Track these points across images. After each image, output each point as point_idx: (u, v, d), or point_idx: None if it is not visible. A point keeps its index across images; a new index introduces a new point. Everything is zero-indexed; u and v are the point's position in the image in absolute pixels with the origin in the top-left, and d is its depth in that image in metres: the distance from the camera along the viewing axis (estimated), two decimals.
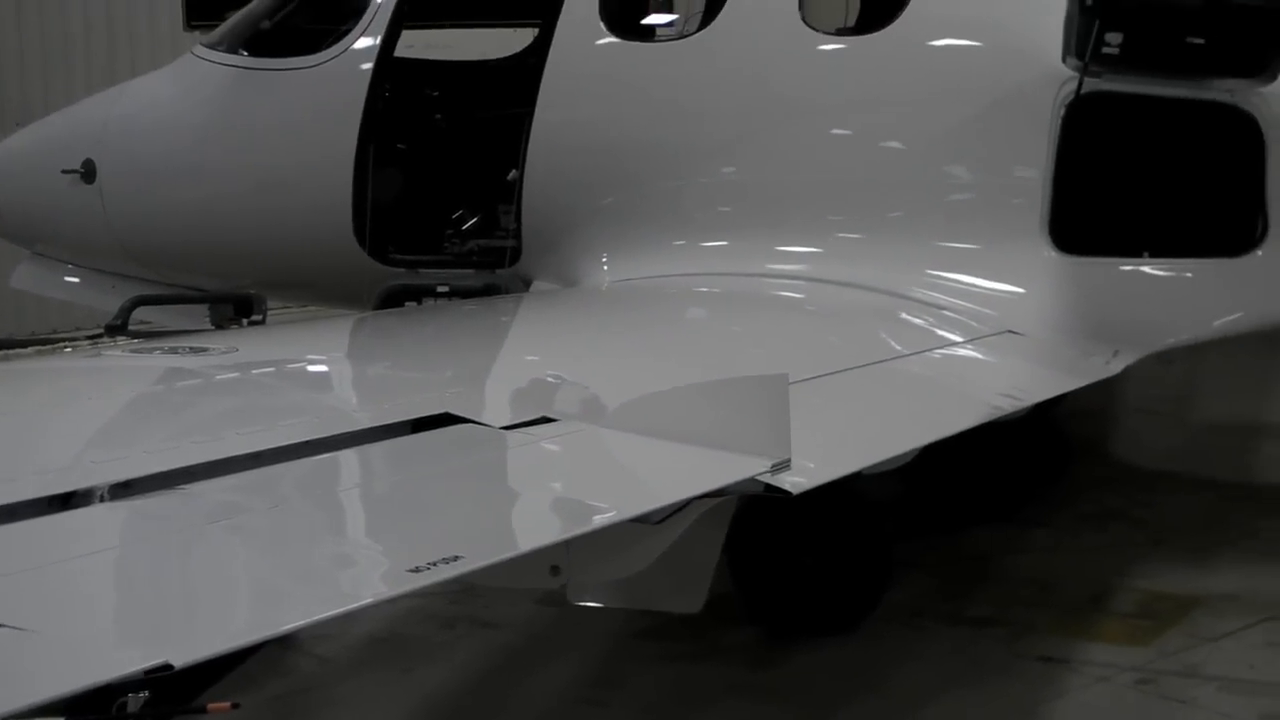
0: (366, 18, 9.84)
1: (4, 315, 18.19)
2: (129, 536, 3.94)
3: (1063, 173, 8.07)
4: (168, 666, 3.00)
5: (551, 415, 5.09)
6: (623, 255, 8.99)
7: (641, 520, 4.85)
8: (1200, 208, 8.19)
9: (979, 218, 8.29)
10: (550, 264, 9.35)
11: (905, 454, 5.98)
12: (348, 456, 4.60)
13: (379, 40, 9.78)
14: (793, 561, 7.83)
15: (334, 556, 3.93)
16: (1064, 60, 7.84)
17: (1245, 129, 7.94)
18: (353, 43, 9.84)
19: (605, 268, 9.04)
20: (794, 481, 4.82)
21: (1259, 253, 8.00)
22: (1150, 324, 8.10)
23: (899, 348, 7.52)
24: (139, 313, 10.35)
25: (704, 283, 8.56)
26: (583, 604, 6.08)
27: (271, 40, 10.32)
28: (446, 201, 10.63)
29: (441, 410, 4.95)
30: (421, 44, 11.45)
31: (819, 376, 6.09)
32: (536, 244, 9.40)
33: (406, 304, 9.64)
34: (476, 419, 4.96)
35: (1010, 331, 7.80)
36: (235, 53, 10.38)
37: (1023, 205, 8.15)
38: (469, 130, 10.83)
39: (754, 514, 6.87)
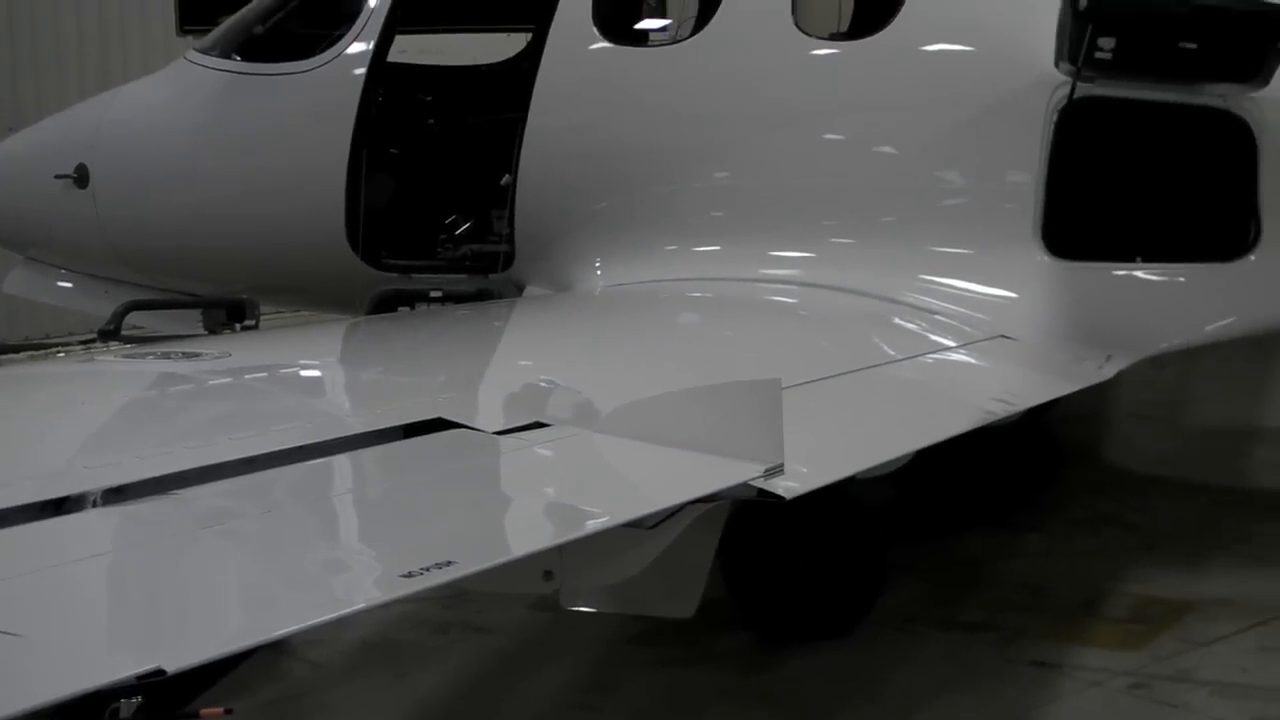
0: (359, 23, 9.83)
1: None
2: (122, 541, 3.94)
3: (1055, 177, 8.08)
4: (160, 672, 2.99)
5: (544, 420, 5.09)
6: (616, 260, 9.00)
7: (635, 525, 4.85)
8: (1193, 213, 8.21)
9: (972, 222, 8.30)
10: (543, 269, 9.36)
11: (898, 459, 5.99)
12: (341, 461, 4.60)
13: (372, 45, 9.78)
14: (786, 566, 7.83)
15: (327, 561, 3.93)
16: (1057, 65, 7.85)
17: (1238, 134, 7.95)
18: (346, 48, 9.84)
19: (598, 272, 9.04)
20: (787, 486, 4.83)
21: (1251, 257, 8.02)
22: (1143, 329, 8.11)
23: (892, 352, 7.52)
24: (132, 318, 10.35)
25: (697, 288, 8.55)
26: (576, 609, 6.10)
27: (264, 45, 10.32)
28: (439, 206, 10.64)
29: (434, 415, 4.95)
30: (415, 49, 11.46)
31: (812, 381, 6.10)
32: (529, 249, 9.40)
33: (399, 309, 9.64)
34: (469, 424, 4.96)
35: (1003, 336, 7.81)
36: (228, 57, 10.37)
37: (1016, 210, 8.15)
38: (462, 135, 10.83)
39: (747, 519, 6.88)
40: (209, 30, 11.09)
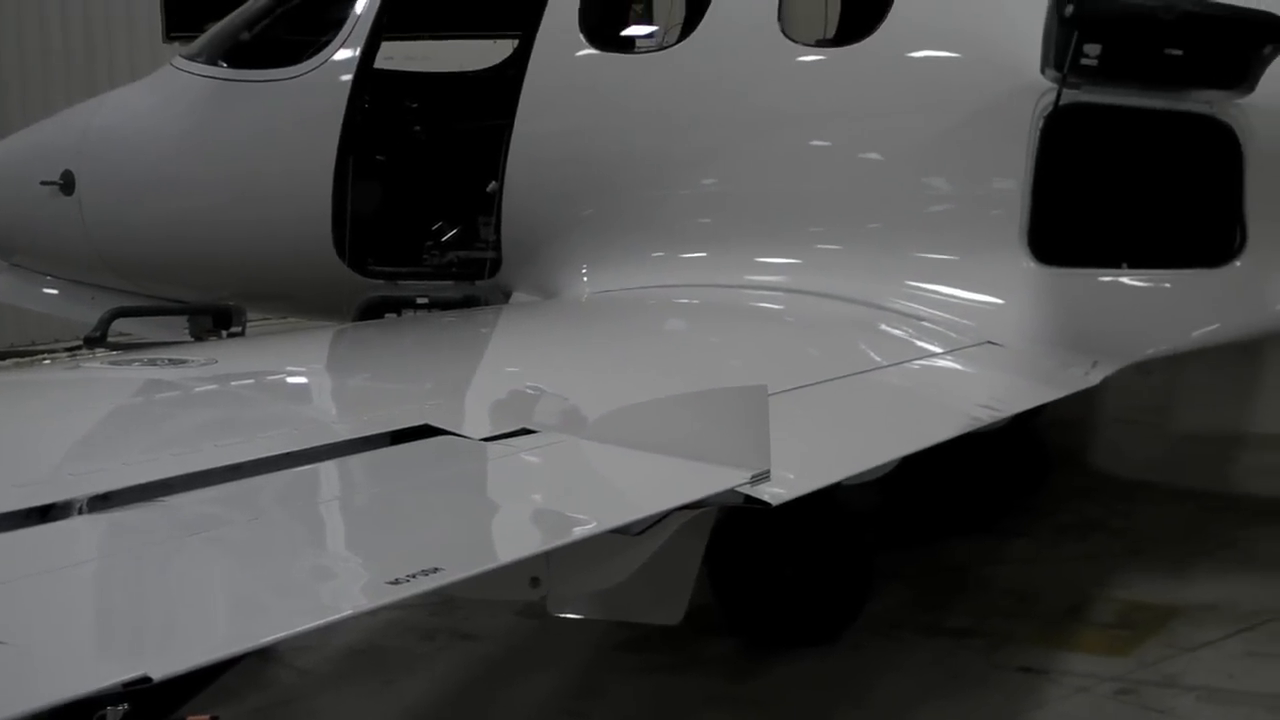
0: (346, 29, 9.83)
1: None
2: (108, 549, 3.93)
3: (1041, 184, 8.09)
4: (146, 679, 2.99)
5: (531, 427, 5.09)
6: (602, 266, 8.99)
7: (621, 532, 4.85)
8: (1179, 219, 8.22)
9: (958, 229, 8.30)
10: (530, 275, 9.35)
11: (885, 465, 5.99)
12: (327, 468, 4.59)
13: (358, 52, 9.77)
14: (773, 573, 7.83)
15: (313, 569, 3.92)
16: (1043, 72, 7.86)
17: (1223, 140, 7.96)
18: (332, 54, 9.83)
19: (585, 279, 9.04)
20: (773, 493, 4.83)
21: (1237, 264, 8.03)
22: (1129, 335, 8.12)
23: (878, 359, 7.53)
24: (118, 324, 10.34)
25: (683, 294, 8.56)
26: (563, 615, 6.08)
27: (251, 51, 10.32)
28: (426, 213, 10.64)
29: (421, 422, 4.95)
30: (401, 56, 11.46)
31: (798, 388, 6.10)
32: (516, 255, 9.40)
33: (386, 315, 9.63)
34: (456, 431, 4.96)
35: (989, 342, 7.81)
36: (214, 64, 10.37)
37: (1002, 216, 8.16)
38: (449, 142, 10.83)
39: (734, 525, 6.88)
40: (195, 36, 11.09)
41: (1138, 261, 8.13)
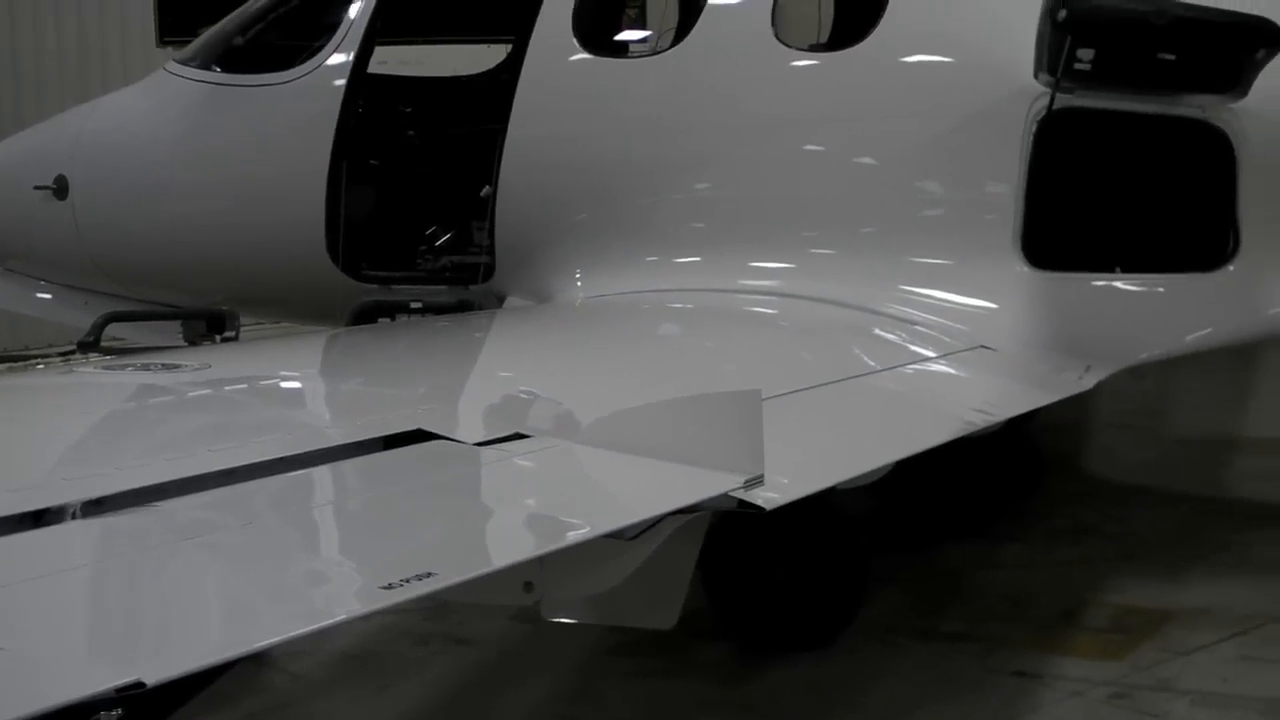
0: (339, 34, 9.82)
1: None
2: (101, 554, 3.92)
3: (1035, 188, 8.09)
4: (140, 684, 2.98)
5: (525, 431, 5.08)
6: (596, 271, 8.99)
7: (615, 536, 4.85)
8: (1172, 223, 8.22)
9: (952, 233, 8.30)
10: (524, 280, 9.35)
11: (879, 469, 5.99)
12: (321, 473, 4.58)
13: (352, 56, 9.77)
14: (767, 577, 7.83)
15: (307, 573, 3.92)
16: (1036, 76, 7.86)
17: (1216, 145, 7.96)
18: (326, 59, 9.83)
19: (579, 284, 9.04)
20: (767, 497, 4.82)
21: (1230, 268, 8.03)
22: (1123, 339, 8.12)
23: (872, 363, 7.53)
24: (112, 329, 10.32)
25: (677, 298, 8.56)
26: (556, 620, 6.08)
27: (244, 56, 10.31)
28: (420, 217, 10.63)
29: (415, 427, 4.95)
30: (395, 60, 11.46)
31: (792, 392, 6.10)
32: (510, 260, 9.39)
33: (380, 320, 9.63)
34: (450, 435, 4.95)
35: (983, 347, 7.81)
36: (208, 69, 10.36)
37: (995, 221, 8.16)
38: (442, 146, 10.83)
39: (728, 530, 6.87)
40: (189, 41, 11.09)
41: (1131, 266, 8.14)
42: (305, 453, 4.62)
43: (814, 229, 8.60)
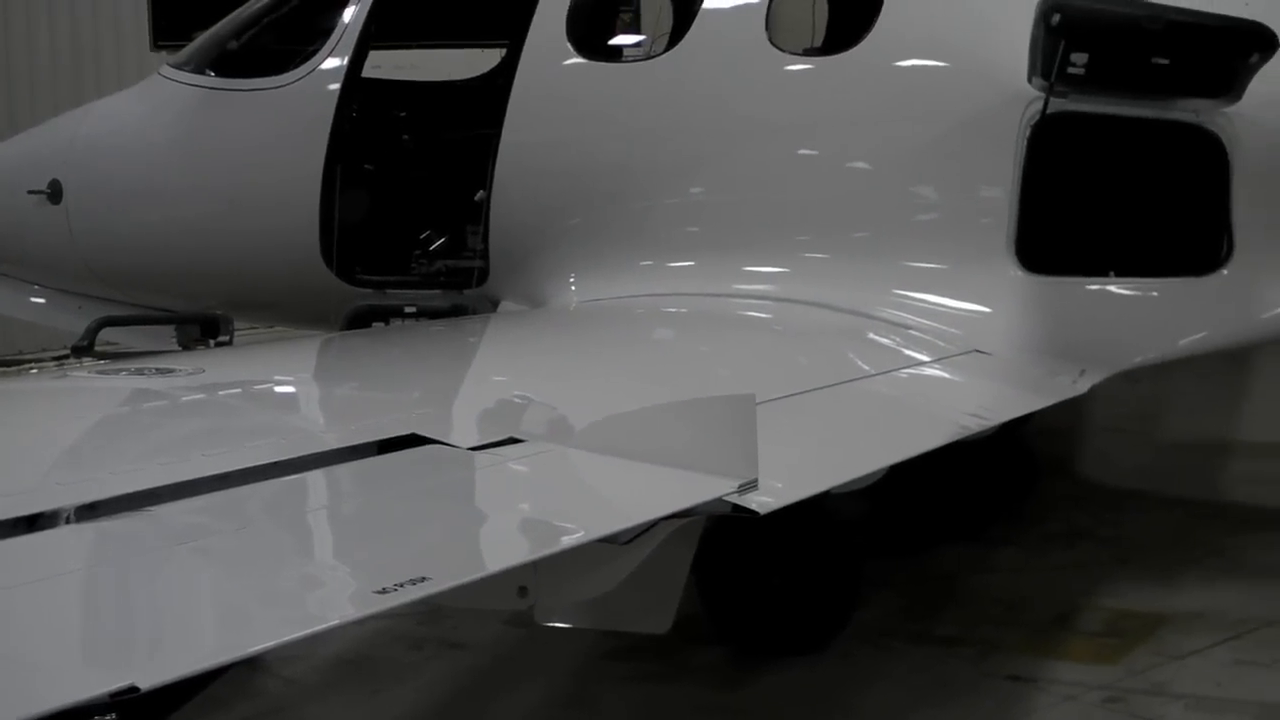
0: (334, 38, 9.82)
1: None
2: (95, 558, 3.92)
3: (1029, 192, 8.09)
4: (134, 689, 2.98)
5: (519, 436, 5.08)
6: (590, 275, 8.99)
7: (609, 541, 4.85)
8: (1166, 227, 8.22)
9: (945, 237, 8.30)
10: (518, 284, 9.35)
11: (873, 473, 5.99)
12: (315, 478, 4.58)
13: (346, 61, 9.77)
14: (761, 581, 7.83)
15: (301, 578, 3.91)
16: (1029, 80, 7.86)
17: (1210, 149, 7.97)
18: (320, 63, 9.82)
19: (573, 288, 9.03)
20: (761, 501, 4.82)
21: (1224, 272, 8.03)
22: (1117, 343, 8.12)
23: (866, 367, 7.53)
24: (105, 334, 10.32)
25: (671, 303, 8.56)
26: (551, 625, 6.09)
27: (238, 60, 10.31)
28: (414, 222, 10.63)
29: (408, 431, 4.94)
30: (389, 64, 11.45)
31: (786, 396, 6.10)
32: (504, 264, 9.39)
33: (374, 324, 9.62)
34: (444, 440, 4.95)
35: (977, 351, 7.81)
36: (202, 73, 10.36)
37: (989, 225, 8.16)
38: (436, 151, 10.82)
39: (722, 534, 6.88)
40: (183, 45, 11.08)
41: (1125, 270, 8.13)
42: (299, 457, 4.62)
43: (808, 233, 8.60)
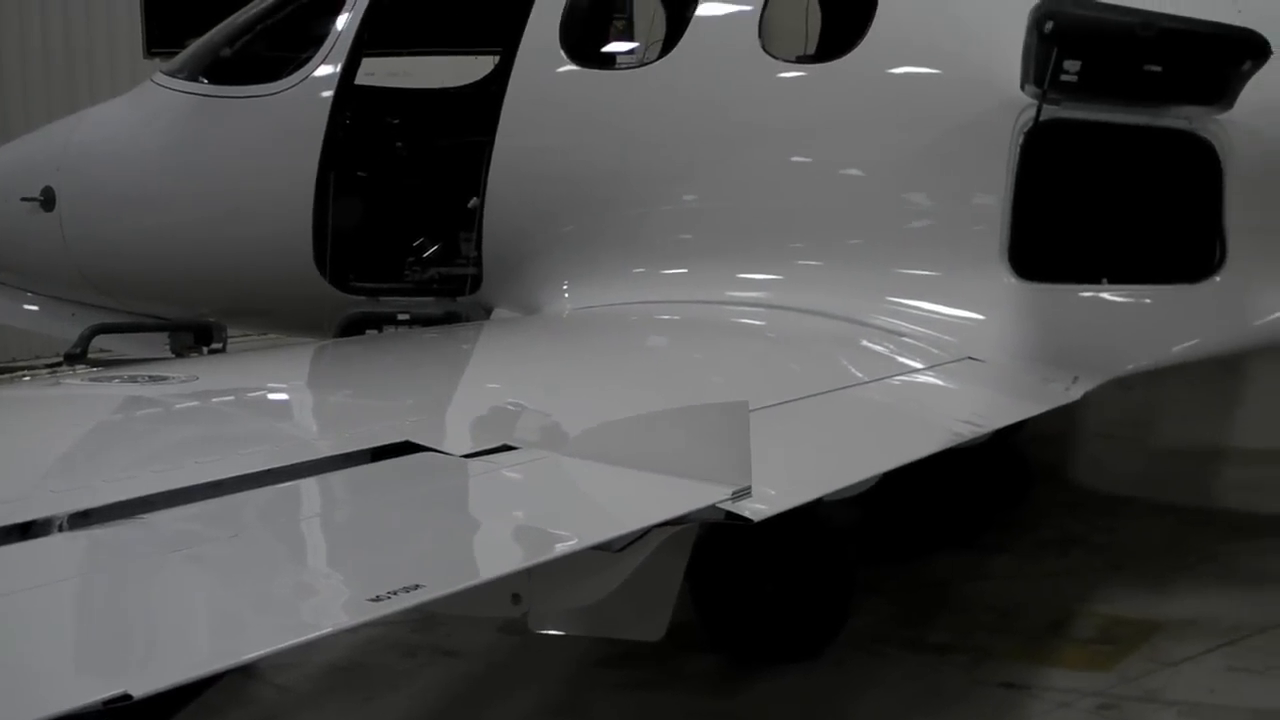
0: (327, 45, 9.81)
1: None
2: (88, 566, 3.92)
3: (1022, 200, 8.10)
4: (127, 696, 2.98)
5: (512, 443, 5.08)
6: (584, 283, 8.99)
7: (602, 548, 4.84)
8: (1159, 234, 8.23)
9: (939, 245, 8.31)
10: (511, 291, 9.35)
11: (866, 480, 5.99)
12: (308, 485, 4.58)
13: (339, 68, 9.76)
14: (755, 588, 7.82)
15: (294, 585, 3.91)
16: (1023, 88, 7.88)
17: (1203, 156, 7.98)
18: (313, 70, 9.82)
19: (566, 295, 9.03)
20: (755, 509, 4.82)
21: (1217, 279, 8.04)
22: (1110, 350, 8.13)
23: (860, 374, 7.53)
24: (98, 341, 10.32)
25: (665, 310, 8.56)
26: (544, 632, 6.07)
27: (232, 68, 10.30)
28: (407, 229, 10.62)
29: (402, 439, 4.94)
30: (383, 72, 11.45)
31: (780, 404, 6.10)
32: (497, 271, 9.39)
33: (367, 332, 9.62)
34: (437, 447, 4.95)
35: (970, 358, 7.82)
36: (195, 80, 10.35)
37: (982, 232, 8.17)
38: (430, 158, 10.82)
39: (715, 541, 6.87)
40: (176, 53, 11.07)
41: (1118, 277, 8.15)
42: (292, 465, 4.62)
43: (801, 240, 8.61)
